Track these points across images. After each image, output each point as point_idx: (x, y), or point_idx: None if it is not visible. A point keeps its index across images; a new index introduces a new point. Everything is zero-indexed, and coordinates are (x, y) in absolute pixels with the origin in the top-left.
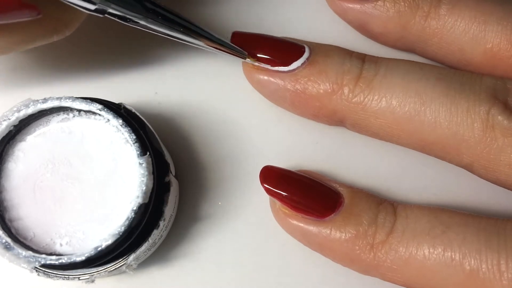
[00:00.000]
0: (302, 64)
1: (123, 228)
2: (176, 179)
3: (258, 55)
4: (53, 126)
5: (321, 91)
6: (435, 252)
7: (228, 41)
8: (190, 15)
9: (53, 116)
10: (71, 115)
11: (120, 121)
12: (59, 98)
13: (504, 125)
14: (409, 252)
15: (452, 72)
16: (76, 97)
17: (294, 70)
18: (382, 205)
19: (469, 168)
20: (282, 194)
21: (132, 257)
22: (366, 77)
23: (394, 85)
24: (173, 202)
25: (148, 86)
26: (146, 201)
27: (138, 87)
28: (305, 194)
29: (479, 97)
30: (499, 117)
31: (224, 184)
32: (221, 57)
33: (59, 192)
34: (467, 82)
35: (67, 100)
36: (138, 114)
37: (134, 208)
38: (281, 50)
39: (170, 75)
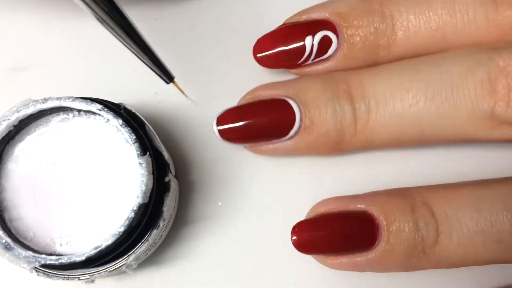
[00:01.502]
0: (299, 128)
1: (123, 228)
2: (176, 179)
3: (255, 140)
4: (53, 126)
5: (327, 147)
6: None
7: (159, 57)
8: (190, 14)
9: (53, 116)
10: (71, 115)
11: (120, 121)
12: (59, 98)
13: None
14: (462, 245)
15: (439, 84)
16: (76, 97)
17: (293, 136)
18: (417, 210)
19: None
20: (323, 253)
21: (132, 257)
22: (362, 118)
23: (390, 117)
24: (173, 202)
25: (148, 86)
26: (146, 201)
27: (138, 87)
28: (343, 241)
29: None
30: (502, 104)
31: (224, 184)
32: (221, 57)
33: (59, 192)
34: (458, 86)
35: (67, 100)
36: (138, 114)
37: (134, 208)
38: (273, 128)
39: None
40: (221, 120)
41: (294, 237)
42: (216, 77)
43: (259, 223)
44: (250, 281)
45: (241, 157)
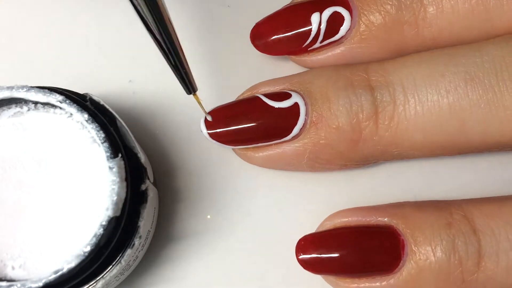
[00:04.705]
0: (304, 124)
1: (89, 247)
2: (154, 187)
3: (250, 142)
4: (3, 122)
5: (341, 148)
6: None
7: (186, 66)
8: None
9: (3, 110)
10: (25, 108)
11: (86, 115)
12: (10, 88)
13: None
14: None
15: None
16: (32, 86)
17: (298, 135)
18: (455, 226)
19: None
20: (334, 274)
21: (100, 283)
22: (385, 111)
23: (422, 109)
24: (151, 215)
25: (120, 73)
26: (118, 214)
27: (108, 73)
28: (359, 261)
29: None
30: None
31: (215, 194)
32: (209, 38)
33: (11, 203)
34: (490, 70)
35: (20, 90)
36: (107, 106)
37: (103, 223)
38: (272, 126)
39: (147, 59)
40: (210, 117)
41: (300, 253)
42: (202, 63)
43: (257, 242)
44: None
45: (235, 160)
